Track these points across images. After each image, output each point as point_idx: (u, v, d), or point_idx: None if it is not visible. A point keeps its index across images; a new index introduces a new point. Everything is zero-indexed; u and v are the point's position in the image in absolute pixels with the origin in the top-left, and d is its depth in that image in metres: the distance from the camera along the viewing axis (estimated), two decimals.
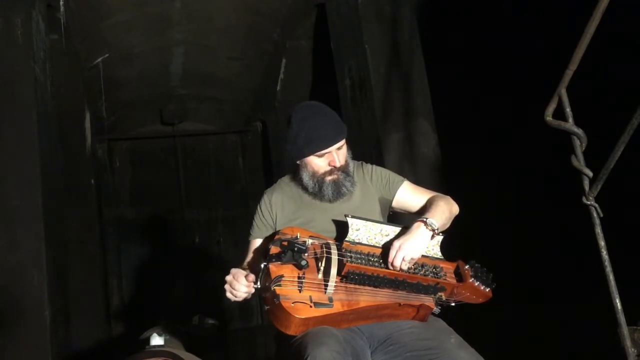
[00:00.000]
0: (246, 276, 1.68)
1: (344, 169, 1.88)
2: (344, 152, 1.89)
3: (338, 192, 1.87)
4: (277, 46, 5.92)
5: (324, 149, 1.84)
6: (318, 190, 1.88)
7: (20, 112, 3.48)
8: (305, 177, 1.89)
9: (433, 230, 1.71)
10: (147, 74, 6.77)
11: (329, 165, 1.86)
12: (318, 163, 1.86)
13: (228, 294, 1.72)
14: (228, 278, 1.71)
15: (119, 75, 6.48)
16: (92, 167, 6.01)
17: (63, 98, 4.83)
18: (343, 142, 1.87)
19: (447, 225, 1.85)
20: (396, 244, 1.67)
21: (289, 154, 1.93)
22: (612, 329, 1.77)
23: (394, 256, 1.66)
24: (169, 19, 5.63)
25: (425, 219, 1.72)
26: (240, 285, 1.68)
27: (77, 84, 5.47)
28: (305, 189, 1.92)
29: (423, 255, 1.76)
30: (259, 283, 1.67)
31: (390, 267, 1.67)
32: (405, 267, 1.67)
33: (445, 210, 1.82)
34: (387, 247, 1.71)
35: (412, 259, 1.67)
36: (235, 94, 7.51)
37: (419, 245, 1.68)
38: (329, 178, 1.87)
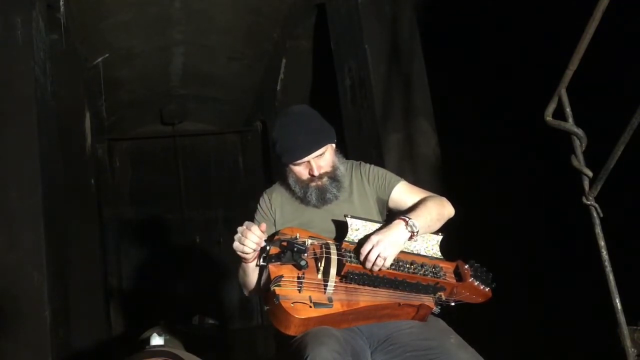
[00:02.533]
0: (259, 226, 1.67)
1: (329, 175, 1.85)
2: (327, 158, 1.85)
3: (322, 198, 1.85)
4: (277, 46, 5.92)
5: (298, 159, 1.81)
6: (303, 195, 1.87)
7: (20, 113, 3.47)
8: (292, 182, 1.89)
9: (412, 232, 1.67)
10: (147, 74, 6.77)
11: (309, 174, 1.84)
12: (300, 170, 1.85)
13: (236, 244, 1.68)
14: (240, 228, 1.68)
15: (119, 75, 6.48)
16: (92, 167, 6.00)
17: (63, 98, 4.83)
18: (322, 150, 1.82)
19: (435, 228, 1.80)
20: (374, 238, 1.62)
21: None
22: (612, 329, 1.77)
23: (370, 250, 1.60)
24: (169, 19, 5.63)
25: (407, 219, 1.68)
26: (252, 235, 1.64)
27: (77, 84, 5.46)
28: None
29: (423, 255, 1.76)
30: (268, 246, 1.67)
31: (361, 259, 1.63)
32: (379, 264, 1.61)
33: (432, 212, 1.77)
34: (362, 242, 1.65)
35: (388, 257, 1.61)
36: (235, 94, 7.51)
37: (397, 244, 1.65)
38: (312, 184, 1.85)
